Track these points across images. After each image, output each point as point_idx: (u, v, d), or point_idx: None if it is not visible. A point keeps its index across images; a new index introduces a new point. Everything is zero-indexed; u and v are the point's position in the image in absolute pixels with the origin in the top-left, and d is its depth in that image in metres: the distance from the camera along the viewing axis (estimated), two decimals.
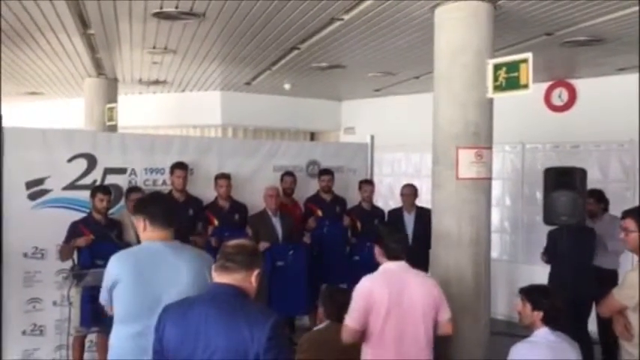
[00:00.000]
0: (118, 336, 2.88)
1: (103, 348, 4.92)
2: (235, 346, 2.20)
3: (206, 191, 6.11)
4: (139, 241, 5.32)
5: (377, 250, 3.57)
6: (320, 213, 6.62)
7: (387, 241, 3.53)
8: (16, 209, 5.06)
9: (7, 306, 5.05)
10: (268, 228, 6.03)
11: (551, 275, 5.79)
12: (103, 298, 2.95)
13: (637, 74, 6.88)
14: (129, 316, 2.84)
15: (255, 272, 2.39)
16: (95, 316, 4.67)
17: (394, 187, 8.76)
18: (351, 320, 3.36)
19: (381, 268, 3.52)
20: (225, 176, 6.07)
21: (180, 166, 5.83)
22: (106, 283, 2.89)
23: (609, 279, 5.24)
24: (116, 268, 2.85)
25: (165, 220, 2.96)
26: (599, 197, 5.90)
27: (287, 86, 8.61)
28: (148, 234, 2.96)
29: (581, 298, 5.21)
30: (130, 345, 2.82)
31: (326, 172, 6.74)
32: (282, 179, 6.56)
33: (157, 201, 3.13)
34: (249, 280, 2.37)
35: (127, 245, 5.28)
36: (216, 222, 6.01)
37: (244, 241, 2.52)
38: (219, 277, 2.38)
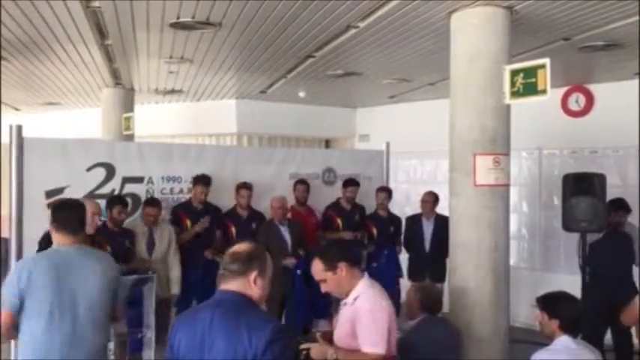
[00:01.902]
0: (31, 332, 2.95)
1: (121, 356, 4.95)
2: (234, 350, 2.26)
3: (223, 199, 6.10)
4: (150, 252, 5.45)
5: (345, 268, 3.08)
6: (340, 221, 6.60)
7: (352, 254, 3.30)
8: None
9: None
10: (277, 237, 6.00)
11: (590, 281, 5.68)
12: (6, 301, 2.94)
13: None
14: (41, 314, 2.94)
15: (252, 275, 2.39)
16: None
17: (410, 194, 8.74)
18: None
19: (366, 284, 3.15)
20: (247, 186, 6.06)
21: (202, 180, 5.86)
22: (15, 287, 2.92)
23: None
24: (34, 270, 2.95)
25: (70, 226, 3.12)
26: (627, 207, 5.78)
27: (302, 94, 8.63)
28: (56, 239, 3.13)
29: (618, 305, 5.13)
30: (45, 338, 2.94)
31: (352, 184, 6.67)
32: (294, 188, 6.54)
33: (65, 207, 3.25)
34: (249, 285, 2.40)
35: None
36: (233, 230, 6.03)
37: (240, 247, 2.47)
38: (223, 285, 2.43)
